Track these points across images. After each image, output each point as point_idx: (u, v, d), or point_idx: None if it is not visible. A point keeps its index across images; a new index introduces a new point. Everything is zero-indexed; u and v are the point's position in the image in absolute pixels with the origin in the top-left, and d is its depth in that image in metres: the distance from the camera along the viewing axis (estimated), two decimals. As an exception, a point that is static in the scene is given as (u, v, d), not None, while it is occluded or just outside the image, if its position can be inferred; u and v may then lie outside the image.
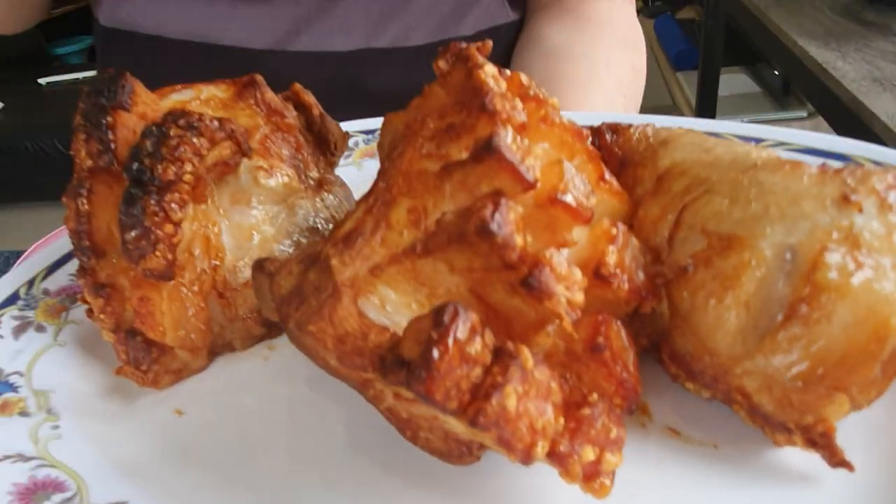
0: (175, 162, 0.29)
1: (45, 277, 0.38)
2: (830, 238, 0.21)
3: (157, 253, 0.29)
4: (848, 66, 0.83)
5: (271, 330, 0.35)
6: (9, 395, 0.30)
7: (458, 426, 0.21)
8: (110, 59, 0.63)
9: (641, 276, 0.25)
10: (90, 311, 0.34)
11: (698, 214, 0.24)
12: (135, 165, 0.29)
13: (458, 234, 0.21)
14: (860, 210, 0.21)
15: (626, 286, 0.24)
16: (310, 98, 0.40)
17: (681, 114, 1.95)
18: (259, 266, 0.25)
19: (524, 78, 0.28)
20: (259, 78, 0.38)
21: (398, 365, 0.19)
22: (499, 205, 0.21)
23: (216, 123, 0.31)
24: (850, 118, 0.77)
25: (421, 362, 0.18)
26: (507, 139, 0.22)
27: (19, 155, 2.74)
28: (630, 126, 0.33)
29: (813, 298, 0.21)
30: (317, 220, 0.37)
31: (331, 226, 0.37)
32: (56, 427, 0.28)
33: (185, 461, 0.28)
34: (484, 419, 0.18)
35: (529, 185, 0.22)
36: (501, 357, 0.19)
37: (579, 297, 0.21)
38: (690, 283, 0.23)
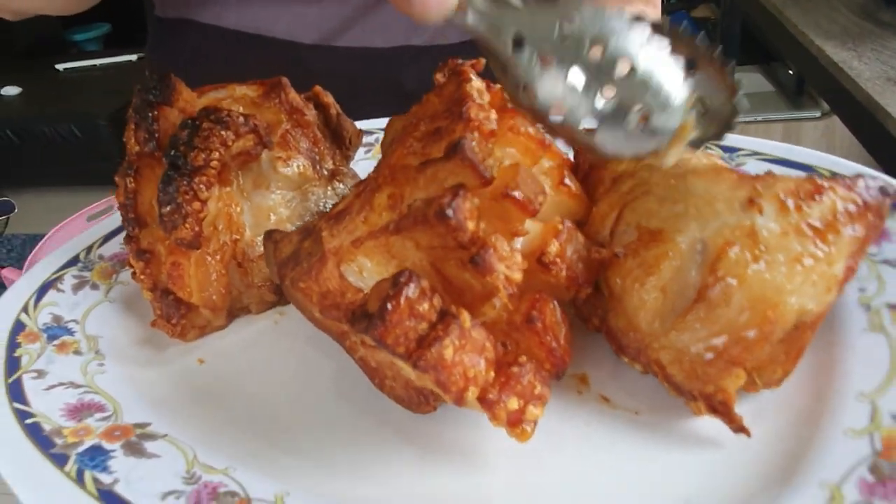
0: (205, 150, 0.35)
1: (101, 245, 0.44)
2: (734, 235, 0.25)
3: (187, 225, 0.34)
4: (863, 66, 0.83)
5: (282, 297, 0.40)
6: (66, 338, 0.36)
7: (409, 371, 0.25)
8: (165, 47, 0.67)
9: (581, 267, 0.29)
10: (134, 274, 0.40)
11: (635, 212, 0.28)
12: (172, 152, 0.35)
13: (422, 217, 0.26)
14: (761, 212, 0.25)
15: (564, 273, 0.28)
16: (328, 99, 0.45)
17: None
18: (268, 235, 0.31)
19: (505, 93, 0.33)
20: (285, 80, 0.43)
21: (363, 317, 0.24)
22: (457, 195, 0.25)
23: (242, 119, 0.37)
24: (864, 117, 0.78)
25: (378, 313, 0.23)
26: (471, 142, 0.27)
27: (36, 140, 2.78)
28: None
29: (714, 286, 0.25)
30: (326, 205, 0.42)
31: (341, 211, 0.42)
32: (101, 364, 0.34)
33: (202, 400, 0.33)
34: (423, 363, 0.23)
35: (486, 182, 0.26)
36: (445, 317, 0.24)
37: (517, 276, 0.26)
38: (621, 270, 0.27)
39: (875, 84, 0.78)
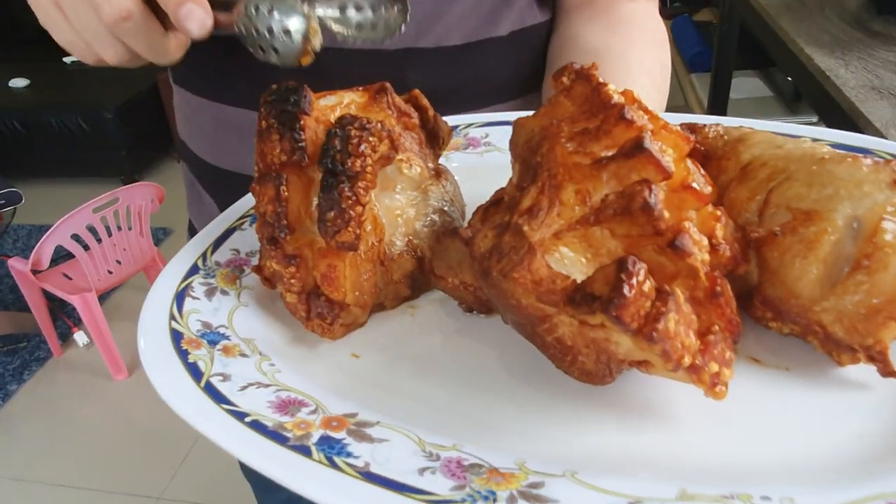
0: (360, 157, 0.37)
1: (212, 252, 0.45)
2: (886, 211, 0.29)
3: (350, 229, 0.36)
4: (849, 74, 0.88)
5: (414, 292, 0.42)
6: (226, 342, 0.37)
7: (624, 345, 0.29)
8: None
9: (736, 247, 0.33)
10: (265, 280, 0.41)
11: (783, 196, 0.32)
12: (328, 161, 0.37)
13: (622, 209, 0.29)
14: (907, 190, 0.30)
15: (728, 253, 0.32)
16: (425, 101, 0.47)
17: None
18: (452, 233, 0.33)
19: (636, 94, 0.36)
20: (388, 85, 0.45)
21: (588, 299, 0.28)
22: (652, 189, 0.29)
23: (380, 125, 0.39)
24: (847, 124, 0.84)
25: (614, 295, 0.27)
26: (650, 141, 0.30)
27: (44, 131, 2.88)
28: (704, 126, 0.41)
29: (873, 255, 0.29)
30: (442, 202, 0.44)
31: (453, 208, 0.45)
32: (272, 364, 0.36)
33: (372, 389, 0.35)
34: (656, 335, 0.27)
35: (668, 176, 0.30)
36: (662, 295, 0.28)
37: (707, 258, 0.30)
38: (780, 246, 0.32)
39: (859, 92, 0.84)
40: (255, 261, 0.45)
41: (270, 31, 0.43)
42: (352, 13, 0.45)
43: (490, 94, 0.69)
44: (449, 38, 0.63)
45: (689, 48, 2.34)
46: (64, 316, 2.28)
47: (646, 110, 0.35)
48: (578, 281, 0.29)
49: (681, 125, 0.41)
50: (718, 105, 1.76)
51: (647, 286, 0.27)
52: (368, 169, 0.37)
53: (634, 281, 0.27)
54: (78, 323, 2.22)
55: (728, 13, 1.62)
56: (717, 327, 0.29)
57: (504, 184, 0.39)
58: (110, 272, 1.93)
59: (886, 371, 0.30)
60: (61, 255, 1.92)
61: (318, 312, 0.39)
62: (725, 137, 0.39)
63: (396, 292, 0.42)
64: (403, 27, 0.46)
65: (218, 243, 0.46)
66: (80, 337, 2.24)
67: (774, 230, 0.32)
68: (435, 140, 0.48)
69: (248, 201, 0.50)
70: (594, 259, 0.31)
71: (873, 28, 1.04)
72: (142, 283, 2.28)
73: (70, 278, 1.95)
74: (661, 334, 0.27)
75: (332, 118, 0.40)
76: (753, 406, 0.31)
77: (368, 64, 0.63)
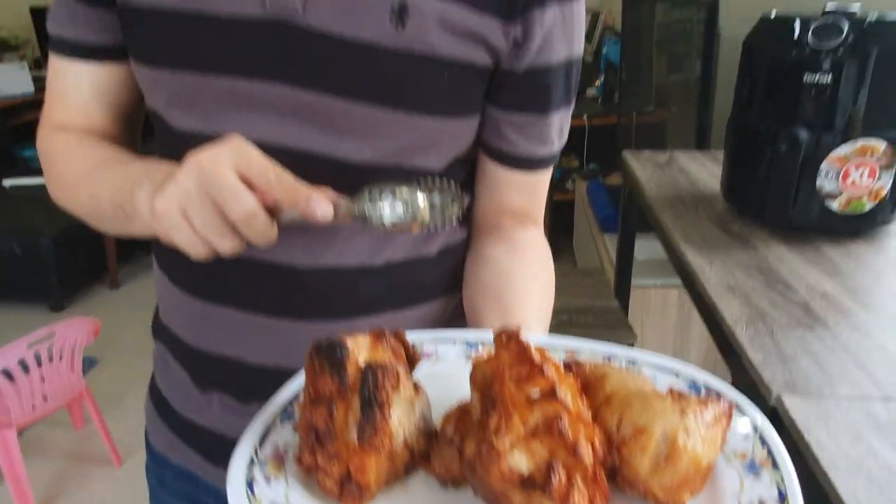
0: (384, 391, 0.59)
1: (259, 449, 0.64)
2: (680, 428, 0.56)
3: (378, 437, 0.58)
4: (712, 273, 0.98)
5: (407, 474, 0.63)
6: (291, 516, 0.56)
7: (551, 509, 0.52)
8: (177, 154, 0.77)
9: (605, 449, 0.58)
10: (306, 469, 0.61)
11: (629, 417, 0.59)
12: (366, 392, 0.59)
13: (547, 430, 0.54)
14: (688, 417, 0.57)
15: (601, 453, 0.57)
16: (406, 339, 0.71)
17: (604, 273, 2.23)
18: (450, 442, 0.56)
19: (546, 351, 0.63)
20: (386, 330, 0.69)
21: (534, 484, 0.51)
22: (562, 418, 0.54)
23: (392, 366, 0.62)
24: (708, 319, 0.97)
25: (547, 483, 0.50)
26: (561, 391, 0.56)
27: None
28: (583, 363, 0.68)
29: (673, 454, 0.55)
30: (422, 411, 0.67)
31: (429, 413, 0.67)
32: (327, 530, 0.55)
33: (395, 545, 0.55)
34: (571, 502, 0.50)
35: (570, 411, 0.55)
36: (570, 480, 0.52)
37: (591, 456, 0.55)
38: (629, 447, 0.57)
39: (718, 290, 0.97)
40: (290, 452, 0.64)
41: (386, 212, 0.61)
42: (437, 201, 0.64)
43: (421, 296, 0.94)
44: (395, 257, 0.89)
45: (600, 210, 2.70)
46: (-26, 450, 2.11)
47: (549, 360, 0.61)
48: (525, 473, 0.53)
49: (567, 362, 0.68)
50: (624, 266, 1.96)
51: (563, 477, 0.51)
52: (389, 398, 0.60)
53: (557, 475, 0.51)
54: (-10, 459, 2.06)
55: (627, 200, 1.83)
56: (597, 495, 0.54)
57: (449, 383, 0.63)
58: (34, 407, 1.88)
59: (688, 518, 0.56)
60: (-17, 387, 1.85)
61: (350, 491, 0.58)
62: (596, 373, 0.66)
63: (396, 475, 0.63)
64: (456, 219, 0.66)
65: (262, 442, 0.65)
66: (-12, 473, 2.07)
67: (625, 437, 0.58)
68: (412, 364, 0.72)
69: (273, 408, 0.70)
70: (532, 459, 0.54)
71: (733, 230, 1.18)
72: (62, 418, 2.17)
73: (-11, 412, 1.87)
74: (572, 502, 0.50)
75: (359, 357, 0.63)
76: (620, 542, 0.55)
77: (339, 278, 0.86)
